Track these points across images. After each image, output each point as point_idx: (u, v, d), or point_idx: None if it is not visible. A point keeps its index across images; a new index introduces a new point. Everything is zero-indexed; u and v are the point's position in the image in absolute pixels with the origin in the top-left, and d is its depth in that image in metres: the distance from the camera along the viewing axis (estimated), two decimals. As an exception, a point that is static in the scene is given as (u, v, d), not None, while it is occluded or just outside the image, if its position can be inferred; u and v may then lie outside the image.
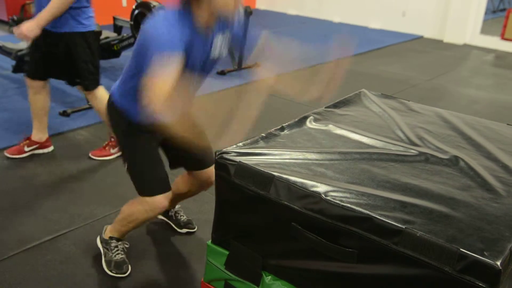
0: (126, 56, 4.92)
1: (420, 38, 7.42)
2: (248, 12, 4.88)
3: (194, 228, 2.33)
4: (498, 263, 0.97)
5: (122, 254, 2.06)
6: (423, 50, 6.67)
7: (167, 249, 2.24)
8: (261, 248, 1.31)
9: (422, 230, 1.05)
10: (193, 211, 2.53)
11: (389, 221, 1.07)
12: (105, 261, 2.07)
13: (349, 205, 1.11)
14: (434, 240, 1.02)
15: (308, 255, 1.20)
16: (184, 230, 2.32)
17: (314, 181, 1.20)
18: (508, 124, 1.77)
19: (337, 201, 1.13)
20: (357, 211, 1.10)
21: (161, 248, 2.25)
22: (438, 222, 1.09)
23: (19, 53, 4.12)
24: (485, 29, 7.15)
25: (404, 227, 1.05)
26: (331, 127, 1.58)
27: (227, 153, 1.33)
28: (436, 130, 1.62)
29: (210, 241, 1.43)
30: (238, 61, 5.08)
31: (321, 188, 1.18)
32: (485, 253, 0.99)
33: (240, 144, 1.40)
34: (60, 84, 4.30)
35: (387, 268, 1.09)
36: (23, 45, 4.22)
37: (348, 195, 1.16)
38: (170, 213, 2.35)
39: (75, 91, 4.05)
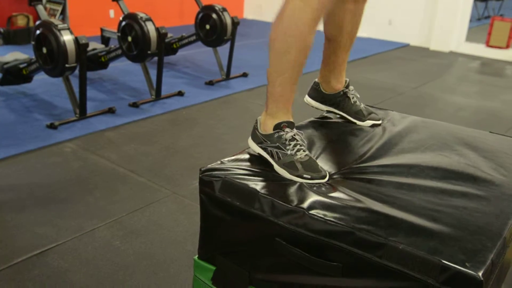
0: (114, 67, 4.94)
1: (406, 46, 7.50)
2: (236, 22, 4.92)
3: (379, 120, 1.76)
4: (480, 274, 0.98)
5: (304, 150, 1.38)
6: (410, 58, 6.74)
7: (154, 262, 2.23)
8: (247, 263, 1.31)
9: (405, 242, 1.06)
10: (183, 224, 2.53)
11: (372, 234, 1.08)
12: (283, 165, 1.34)
13: (332, 219, 1.12)
14: (416, 252, 1.03)
15: (294, 269, 1.21)
16: (369, 123, 1.73)
17: (298, 195, 1.22)
18: (490, 132, 1.79)
19: (320, 216, 1.14)
20: (339, 225, 1.11)
21: (149, 260, 2.24)
22: (420, 234, 1.10)
23: (5, 66, 4.11)
24: (471, 37, 7.25)
25: (386, 240, 1.06)
26: (315, 140, 1.59)
27: (211, 169, 1.34)
28: (418, 139, 1.64)
29: (197, 256, 1.44)
30: (226, 71, 5.11)
31: (304, 202, 1.19)
32: (467, 264, 1.00)
33: (225, 160, 1.40)
34: (47, 96, 4.31)
35: (371, 281, 1.10)
36: (9, 58, 4.21)
37: (331, 209, 1.17)
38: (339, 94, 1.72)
39: (63, 103, 4.05)
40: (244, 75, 5.27)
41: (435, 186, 1.33)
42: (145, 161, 3.23)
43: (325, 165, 1.42)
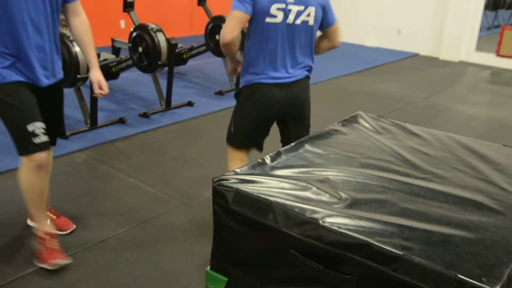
0: (124, 77, 4.96)
1: (416, 55, 7.49)
2: (245, 33, 4.93)
3: None
4: (497, 289, 0.97)
5: None
6: (419, 68, 6.72)
7: (164, 273, 2.23)
8: (260, 274, 1.30)
9: (420, 256, 1.05)
10: (193, 234, 2.52)
11: (387, 248, 1.07)
12: None
13: (347, 231, 1.12)
14: (432, 267, 1.02)
15: (307, 282, 1.20)
16: None
17: (312, 207, 1.21)
18: (504, 145, 1.77)
19: (335, 228, 1.13)
20: (354, 237, 1.10)
21: (159, 271, 2.24)
22: (436, 248, 1.09)
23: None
24: (480, 46, 7.22)
25: (402, 253, 1.05)
26: (328, 152, 1.59)
27: (225, 180, 1.33)
28: (432, 153, 1.63)
29: (209, 267, 1.43)
30: (236, 81, 5.12)
31: (318, 214, 1.18)
32: (483, 279, 0.99)
33: (238, 170, 1.40)
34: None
35: (386, 295, 1.09)
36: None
37: (346, 221, 1.17)
38: None
39: (73, 113, 4.07)
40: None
41: (449, 200, 1.32)
42: (155, 171, 3.23)
43: (337, 178, 1.41)
